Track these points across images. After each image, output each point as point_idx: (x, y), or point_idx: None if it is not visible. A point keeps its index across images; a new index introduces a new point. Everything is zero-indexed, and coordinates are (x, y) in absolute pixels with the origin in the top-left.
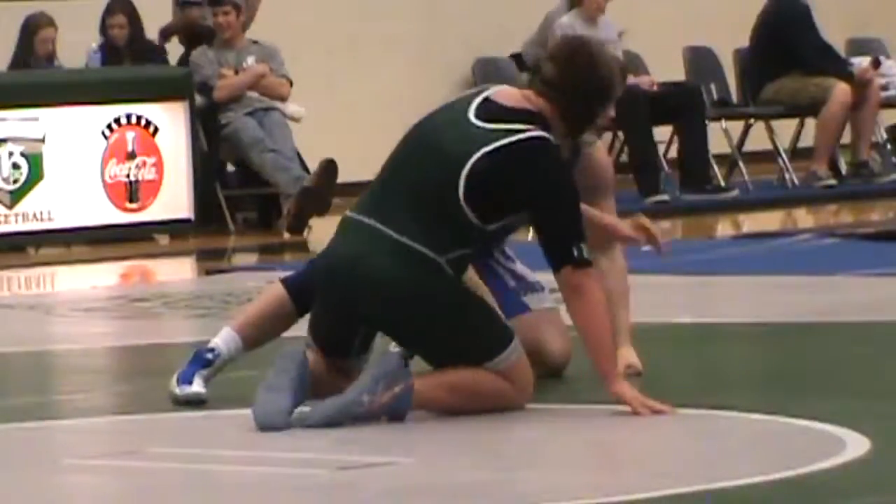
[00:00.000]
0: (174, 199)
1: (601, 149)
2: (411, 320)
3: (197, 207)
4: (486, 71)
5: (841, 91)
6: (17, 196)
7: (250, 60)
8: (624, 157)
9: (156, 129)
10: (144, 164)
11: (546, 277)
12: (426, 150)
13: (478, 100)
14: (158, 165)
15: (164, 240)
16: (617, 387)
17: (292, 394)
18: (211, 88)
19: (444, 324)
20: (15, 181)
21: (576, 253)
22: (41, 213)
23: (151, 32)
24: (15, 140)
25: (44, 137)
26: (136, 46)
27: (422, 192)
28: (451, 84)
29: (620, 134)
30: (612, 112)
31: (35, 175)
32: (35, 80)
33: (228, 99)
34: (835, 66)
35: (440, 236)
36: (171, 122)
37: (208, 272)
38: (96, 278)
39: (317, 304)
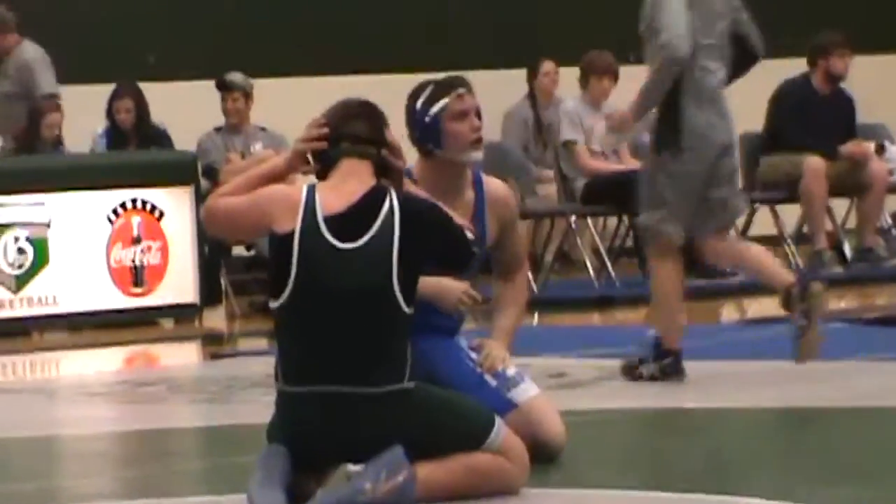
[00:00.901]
0: (179, 283)
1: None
2: (406, 443)
3: (202, 291)
4: (492, 157)
5: (812, 162)
6: (22, 281)
7: (258, 147)
8: (629, 242)
9: (161, 214)
10: (150, 248)
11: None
12: (335, 297)
13: (324, 228)
14: (164, 250)
15: (168, 324)
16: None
17: (283, 488)
18: (217, 172)
19: (431, 428)
20: (20, 266)
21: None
22: (46, 297)
23: (157, 117)
24: (21, 225)
25: (49, 222)
26: (143, 131)
27: (359, 329)
28: None
29: (625, 219)
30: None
31: (40, 260)
32: (41, 165)
33: None
34: (815, 142)
35: (393, 357)
36: (176, 206)
37: (213, 356)
38: (101, 363)
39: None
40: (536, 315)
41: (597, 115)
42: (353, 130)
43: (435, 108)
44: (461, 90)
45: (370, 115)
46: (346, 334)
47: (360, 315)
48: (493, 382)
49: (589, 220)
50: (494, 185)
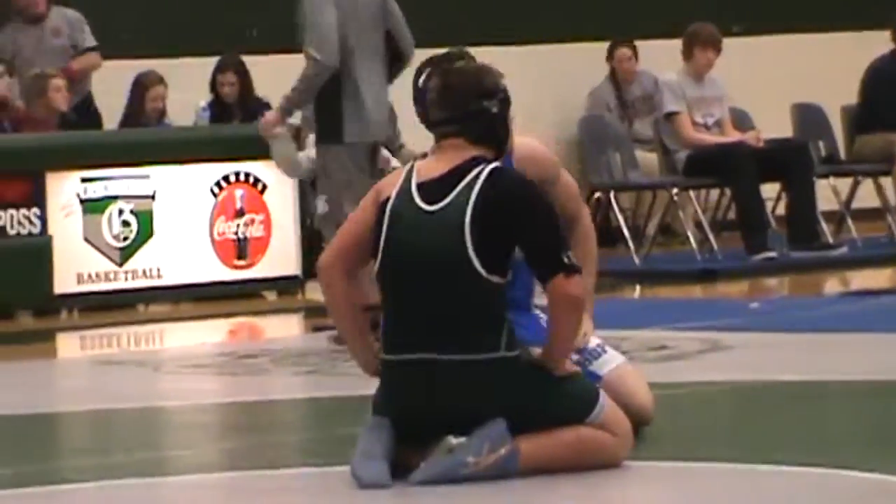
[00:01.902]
0: (282, 256)
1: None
2: (507, 415)
3: (305, 264)
4: (593, 129)
5: None
6: (127, 253)
7: None
8: (731, 215)
9: (264, 187)
10: (253, 221)
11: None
12: (418, 260)
13: (415, 192)
14: (266, 223)
15: (271, 296)
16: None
17: (387, 460)
18: None
19: (534, 401)
20: (125, 238)
21: (566, 260)
22: (150, 270)
23: (261, 90)
24: (125, 198)
25: (154, 195)
26: (246, 104)
27: (444, 294)
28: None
29: (727, 191)
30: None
31: (145, 232)
32: (145, 139)
33: None
34: None
35: (483, 324)
36: (279, 179)
37: (316, 329)
38: (204, 335)
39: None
40: (638, 288)
41: (699, 87)
42: (431, 118)
43: None
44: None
45: (444, 97)
46: (432, 299)
47: (440, 279)
48: (574, 356)
49: (691, 193)
50: (520, 145)
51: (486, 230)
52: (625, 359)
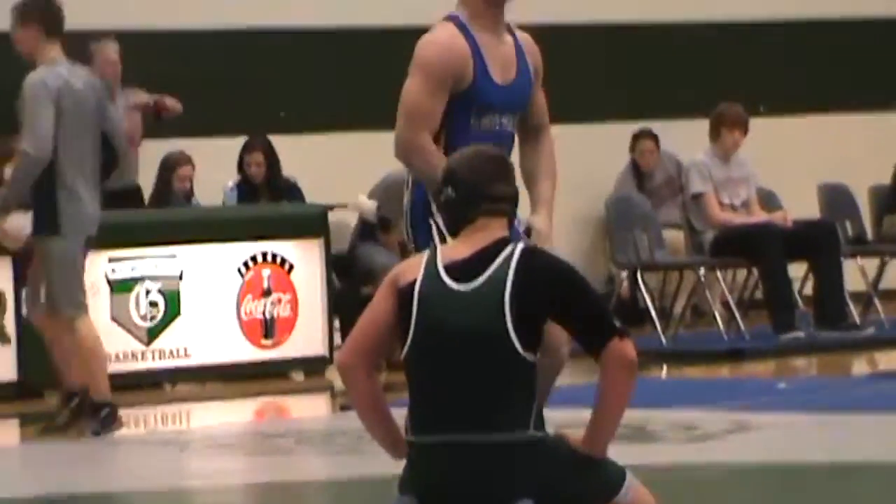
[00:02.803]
0: (309, 335)
1: None
2: (535, 495)
3: (332, 344)
4: (619, 208)
5: None
6: (154, 333)
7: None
8: (758, 294)
9: (291, 267)
10: (280, 300)
11: None
12: (452, 339)
13: (444, 273)
14: (293, 302)
15: (298, 376)
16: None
17: None
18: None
19: (560, 482)
20: (152, 318)
21: (616, 324)
22: (177, 349)
23: (288, 170)
24: (152, 278)
25: (181, 275)
26: (273, 184)
27: (477, 373)
28: (587, 222)
29: (754, 270)
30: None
31: (172, 312)
32: (173, 219)
33: None
34: None
35: (514, 403)
36: (306, 259)
37: (343, 408)
38: (231, 414)
39: None
40: (665, 367)
41: (726, 168)
42: (493, 191)
43: None
44: None
45: (508, 172)
46: (464, 378)
47: (475, 357)
48: None
49: (718, 273)
50: (521, 33)
51: (525, 307)
52: None
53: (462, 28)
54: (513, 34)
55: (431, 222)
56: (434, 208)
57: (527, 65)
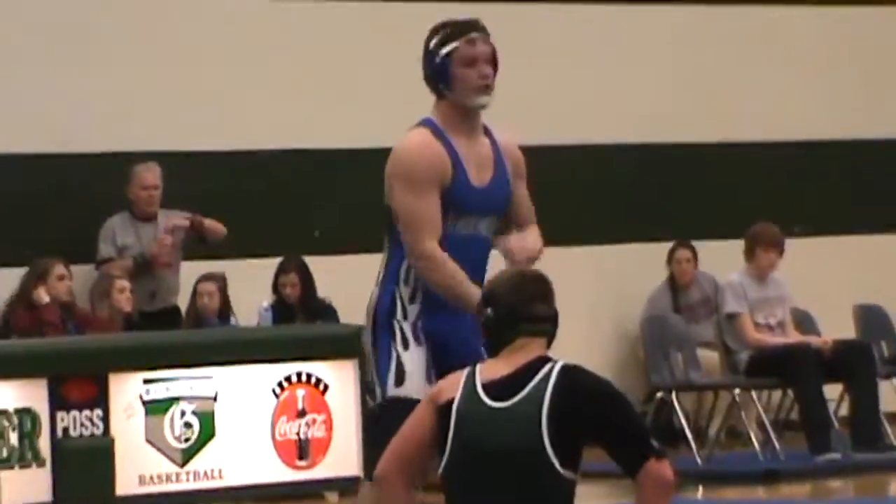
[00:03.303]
0: (343, 456)
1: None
2: None
3: (366, 465)
4: (654, 329)
5: None
6: (188, 454)
7: None
8: (794, 415)
9: (326, 387)
10: (314, 421)
11: None
12: (490, 457)
13: (481, 391)
14: (328, 423)
15: (333, 497)
16: None
17: None
18: None
19: None
20: (186, 440)
21: (654, 444)
22: (212, 471)
23: (323, 291)
24: (187, 399)
25: (216, 396)
26: (308, 305)
27: (516, 491)
28: (621, 341)
29: (790, 391)
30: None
31: (207, 433)
32: (207, 340)
33: None
34: None
35: None
36: (340, 379)
37: None
38: None
39: None
40: (701, 489)
41: (762, 288)
42: (533, 312)
43: (445, 50)
44: (474, 35)
45: (548, 293)
46: (502, 496)
47: (512, 475)
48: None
49: (753, 394)
50: (502, 134)
51: (563, 424)
52: None
53: (437, 131)
54: (490, 135)
55: (396, 326)
56: (400, 314)
57: (504, 165)
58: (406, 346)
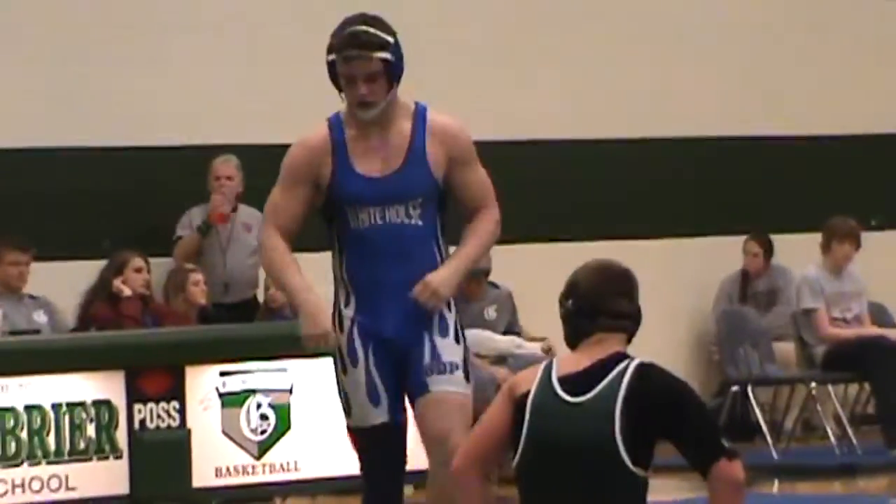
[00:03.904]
0: (418, 449)
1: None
2: None
3: None
4: (730, 322)
5: None
6: (264, 447)
7: (490, 312)
8: (870, 409)
9: None
10: None
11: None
12: (562, 452)
13: (557, 385)
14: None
15: (408, 490)
16: None
17: None
18: None
19: None
20: (262, 432)
21: (725, 444)
22: (288, 463)
23: None
24: (263, 391)
25: (291, 388)
26: None
27: (588, 487)
28: (695, 336)
29: (867, 385)
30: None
31: (283, 426)
32: (283, 332)
33: None
34: None
35: None
36: None
37: None
38: None
39: None
40: (776, 482)
41: (838, 282)
42: (613, 307)
43: (328, 59)
44: (350, 52)
45: (630, 288)
46: (572, 490)
47: (583, 470)
48: (425, 359)
49: (830, 387)
50: (440, 117)
51: (635, 421)
52: (463, 390)
53: (333, 125)
54: (418, 122)
55: (338, 346)
56: (337, 318)
57: (419, 153)
58: (345, 370)
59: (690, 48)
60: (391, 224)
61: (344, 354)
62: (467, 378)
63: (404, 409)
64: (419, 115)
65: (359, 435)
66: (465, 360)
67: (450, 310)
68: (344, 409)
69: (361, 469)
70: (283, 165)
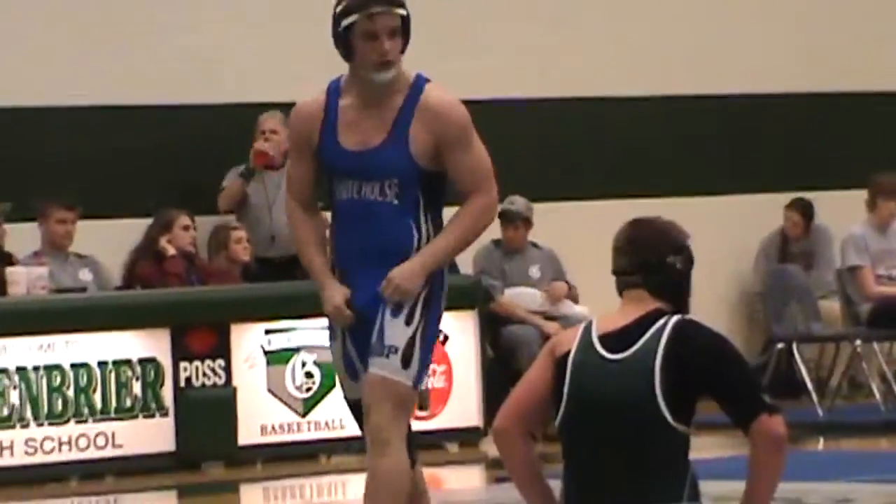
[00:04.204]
0: (463, 407)
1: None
2: None
3: (486, 415)
4: (775, 280)
5: None
6: (309, 404)
7: (534, 270)
8: None
9: (446, 338)
10: (434, 372)
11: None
12: (603, 409)
13: (597, 343)
14: (448, 374)
15: (453, 448)
16: None
17: None
18: (491, 290)
19: None
20: (308, 389)
21: (766, 399)
22: (333, 421)
23: None
24: (308, 349)
25: None
26: None
27: (630, 443)
28: (737, 294)
29: None
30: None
31: (327, 384)
32: None
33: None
34: None
35: (666, 473)
36: (460, 330)
37: (498, 480)
38: None
39: None
40: (822, 440)
41: (883, 239)
42: (650, 262)
43: (345, 22)
44: (375, 9)
45: (671, 242)
46: (615, 447)
47: (625, 426)
48: (374, 339)
49: (875, 345)
50: (435, 96)
51: (675, 377)
52: (393, 377)
53: (332, 91)
54: (413, 99)
55: None
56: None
57: (403, 131)
58: (332, 336)
59: (734, 4)
60: (366, 199)
61: (331, 325)
62: (407, 362)
63: None
64: (414, 89)
65: (350, 405)
66: (411, 343)
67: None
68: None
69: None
70: (290, 135)
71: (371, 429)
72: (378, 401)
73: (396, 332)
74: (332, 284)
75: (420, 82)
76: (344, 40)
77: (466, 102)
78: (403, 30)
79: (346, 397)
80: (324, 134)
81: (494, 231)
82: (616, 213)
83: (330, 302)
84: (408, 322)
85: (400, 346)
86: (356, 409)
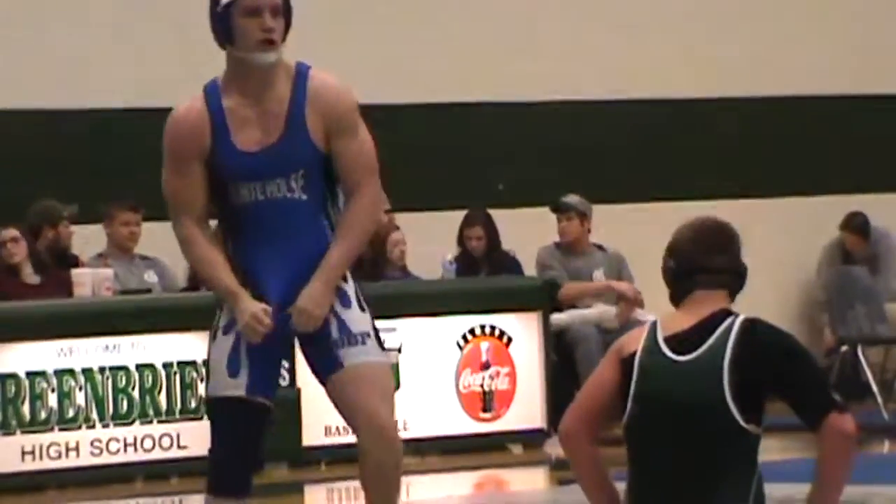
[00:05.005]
0: (527, 409)
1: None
2: None
3: (550, 417)
4: (840, 281)
5: None
6: None
7: (598, 274)
8: None
9: (509, 340)
10: (498, 374)
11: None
12: (672, 411)
13: (663, 345)
14: (512, 376)
15: (517, 449)
16: None
17: None
18: (556, 287)
19: None
20: None
21: (836, 397)
22: (396, 423)
23: (507, 244)
24: None
25: (400, 347)
26: (494, 257)
27: (698, 444)
28: (801, 296)
29: None
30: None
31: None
32: (392, 292)
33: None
34: None
35: (733, 476)
36: (525, 332)
37: (562, 482)
38: (450, 488)
39: None
40: (887, 443)
41: None
42: (710, 263)
43: (226, 0)
44: None
45: (727, 244)
46: (682, 449)
47: (693, 428)
48: (335, 334)
49: None
50: (321, 80)
51: (744, 377)
52: (380, 358)
53: (210, 95)
54: (299, 86)
55: (217, 315)
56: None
57: (299, 122)
58: (215, 338)
59: (795, 6)
60: (273, 199)
61: (219, 325)
62: (381, 345)
63: (268, 398)
64: (300, 77)
65: (210, 406)
66: (375, 328)
67: (346, 281)
68: (206, 380)
69: (209, 449)
70: (167, 146)
71: (381, 418)
72: (374, 387)
73: (358, 320)
74: (246, 298)
75: (303, 68)
76: (225, 22)
77: (522, 104)
78: (288, 11)
79: (212, 395)
80: (216, 140)
81: (552, 232)
82: (679, 215)
83: (247, 312)
84: (361, 309)
85: (369, 330)
86: (227, 405)
